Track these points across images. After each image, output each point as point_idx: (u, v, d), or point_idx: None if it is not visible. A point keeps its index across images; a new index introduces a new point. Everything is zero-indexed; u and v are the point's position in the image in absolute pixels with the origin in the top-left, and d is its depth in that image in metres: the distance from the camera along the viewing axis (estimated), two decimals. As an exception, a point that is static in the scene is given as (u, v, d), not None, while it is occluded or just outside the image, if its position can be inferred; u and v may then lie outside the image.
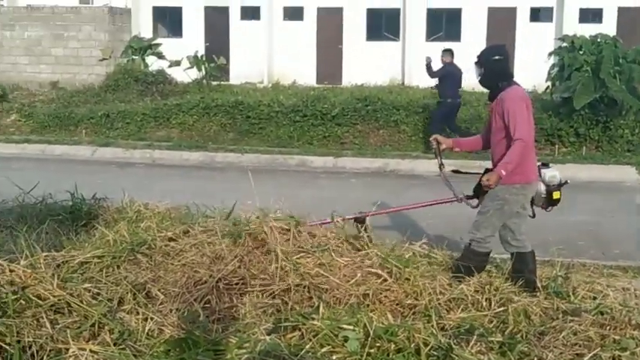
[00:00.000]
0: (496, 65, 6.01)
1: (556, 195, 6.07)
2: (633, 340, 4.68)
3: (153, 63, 22.32)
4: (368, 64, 23.84)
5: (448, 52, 15.68)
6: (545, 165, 6.22)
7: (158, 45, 22.94)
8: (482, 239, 6.00)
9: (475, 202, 6.39)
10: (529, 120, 5.86)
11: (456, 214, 6.56)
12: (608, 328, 4.89)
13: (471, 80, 21.83)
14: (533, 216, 6.25)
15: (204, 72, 22.19)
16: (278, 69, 25.16)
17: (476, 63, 6.14)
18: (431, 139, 6.81)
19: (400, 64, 24.50)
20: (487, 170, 6.08)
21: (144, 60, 22.45)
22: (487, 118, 6.35)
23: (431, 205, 6.97)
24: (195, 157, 15.67)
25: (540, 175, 6.07)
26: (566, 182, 6.17)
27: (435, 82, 16.18)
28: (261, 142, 16.61)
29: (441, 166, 6.66)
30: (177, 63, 21.79)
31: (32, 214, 7.30)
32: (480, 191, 6.25)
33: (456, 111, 15.51)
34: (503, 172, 5.77)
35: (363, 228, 6.41)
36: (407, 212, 8.62)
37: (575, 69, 15.26)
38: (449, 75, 15.37)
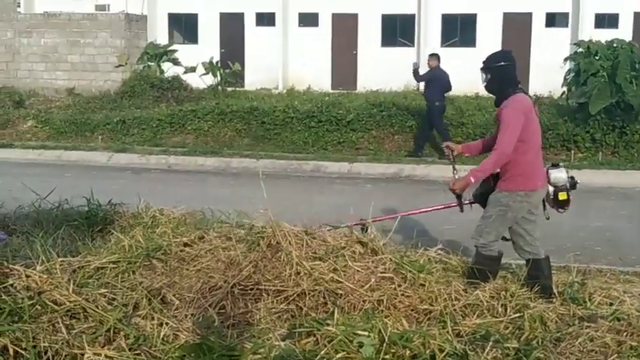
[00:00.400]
0: (502, 71, 5.95)
1: (562, 196, 6.01)
2: (650, 346, 4.64)
3: (168, 69, 22.42)
4: (383, 70, 23.83)
5: (434, 56, 16.11)
6: (555, 165, 6.14)
7: (174, 51, 23.04)
8: (485, 245, 5.97)
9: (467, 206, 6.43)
10: (528, 133, 5.80)
11: (472, 220, 6.50)
12: (624, 334, 4.86)
13: (481, 86, 21.64)
14: (548, 218, 6.21)
15: (219, 78, 22.27)
16: (293, 75, 25.22)
17: (482, 69, 6.08)
18: (443, 146, 6.85)
19: (415, 70, 24.49)
20: (496, 176, 6.07)
21: (159, 66, 22.55)
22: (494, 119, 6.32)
23: (435, 210, 7.04)
24: (210, 163, 15.71)
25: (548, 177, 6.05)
26: (574, 183, 6.10)
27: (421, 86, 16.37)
28: (276, 148, 16.64)
29: (455, 172, 6.64)
30: (193, 69, 21.88)
31: (48, 219, 7.34)
32: (482, 198, 6.24)
33: (442, 113, 15.81)
34: (472, 180, 5.86)
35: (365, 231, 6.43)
36: (420, 218, 8.56)
37: (591, 74, 15.19)
38: (435, 79, 15.76)
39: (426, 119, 15.95)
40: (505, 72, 5.96)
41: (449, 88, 15.97)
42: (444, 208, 6.90)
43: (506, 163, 5.80)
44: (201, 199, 8.01)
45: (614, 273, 7.44)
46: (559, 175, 6.04)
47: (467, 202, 6.43)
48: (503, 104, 5.85)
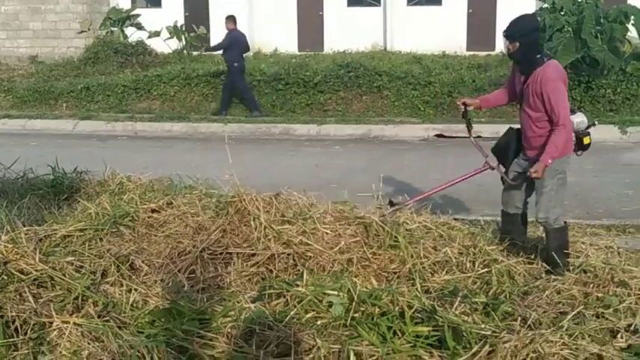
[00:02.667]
0: (532, 37, 5.72)
1: (586, 140, 5.95)
2: (616, 297, 4.71)
3: (132, 34, 22.08)
4: (349, 30, 23.68)
5: (231, 18, 16.43)
6: (572, 112, 5.95)
7: (137, 16, 22.66)
8: (556, 218, 5.84)
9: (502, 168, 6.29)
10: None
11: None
12: (591, 286, 4.93)
13: (453, 43, 21.63)
14: None
15: (184, 42, 21.97)
16: (259, 37, 24.95)
17: (507, 36, 5.76)
18: (458, 102, 6.53)
19: (382, 30, 24.36)
20: (512, 130, 6.07)
21: (123, 31, 22.20)
22: (510, 79, 6.16)
23: (468, 178, 6.58)
24: (177, 129, 15.58)
25: None
26: (593, 124, 6.07)
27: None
28: (244, 112, 16.53)
29: (470, 128, 6.49)
30: (157, 34, 21.54)
31: (13, 189, 7.25)
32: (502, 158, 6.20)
33: (243, 73, 16.38)
34: (550, 161, 5.62)
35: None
36: (398, 181, 8.53)
37: (556, 30, 15.22)
38: (235, 41, 16.12)
39: (228, 81, 16.34)
40: (535, 38, 5.76)
41: (247, 49, 16.71)
42: (476, 174, 6.53)
43: (546, 131, 5.69)
44: (168, 165, 7.95)
45: (582, 226, 7.54)
46: (581, 119, 5.94)
47: (498, 168, 6.31)
48: (538, 74, 5.62)
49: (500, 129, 6.87)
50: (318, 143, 13.87)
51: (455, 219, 6.81)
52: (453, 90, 15.61)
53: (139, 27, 22.19)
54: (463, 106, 6.39)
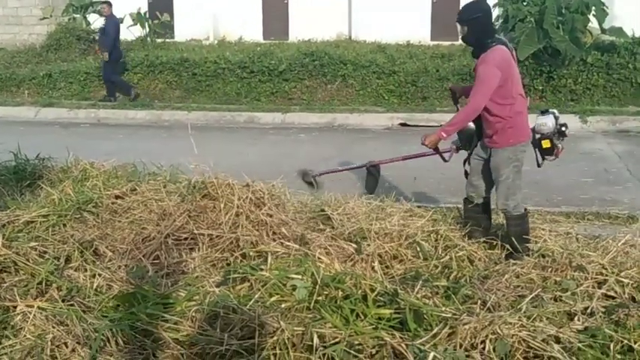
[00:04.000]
0: (479, 22, 5.77)
1: (545, 144, 6.02)
2: (574, 281, 4.82)
3: (95, 21, 21.79)
4: (314, 19, 23.65)
5: (108, 3, 16.87)
6: (544, 112, 6.12)
7: (99, 2, 22.36)
8: (516, 205, 5.94)
9: (448, 155, 6.41)
10: (510, 84, 5.74)
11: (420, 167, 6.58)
12: (549, 270, 5.04)
13: (417, 33, 21.67)
14: (539, 165, 6.29)
15: (147, 29, 21.76)
16: (224, 25, 24.81)
17: (458, 21, 5.86)
18: (450, 87, 6.78)
19: (347, 19, 24.38)
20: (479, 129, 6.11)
21: (85, 18, 21.90)
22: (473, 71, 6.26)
23: (419, 157, 6.87)
24: (141, 116, 15.47)
25: None
26: (563, 132, 6.08)
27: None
28: (209, 100, 16.47)
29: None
30: (120, 20, 21.30)
31: (-25, 175, 7.18)
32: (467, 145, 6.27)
33: (120, 58, 16.98)
34: (444, 135, 5.79)
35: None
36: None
37: (518, 20, 15.35)
38: (116, 26, 16.69)
39: (108, 66, 16.53)
40: (482, 23, 5.79)
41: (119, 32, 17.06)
42: (430, 155, 6.61)
43: (498, 119, 5.75)
44: (132, 153, 7.91)
45: (541, 214, 7.68)
46: (544, 121, 6.02)
47: (450, 150, 6.41)
48: (480, 58, 5.72)
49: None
50: (283, 131, 13.88)
51: (418, 206, 6.89)
52: (417, 79, 15.70)
53: (102, 14, 21.90)
54: (452, 92, 6.60)
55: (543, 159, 6.20)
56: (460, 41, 6.22)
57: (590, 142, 12.48)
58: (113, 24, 16.65)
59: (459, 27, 5.90)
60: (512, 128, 5.81)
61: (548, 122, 6.03)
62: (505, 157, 5.81)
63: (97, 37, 16.66)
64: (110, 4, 16.72)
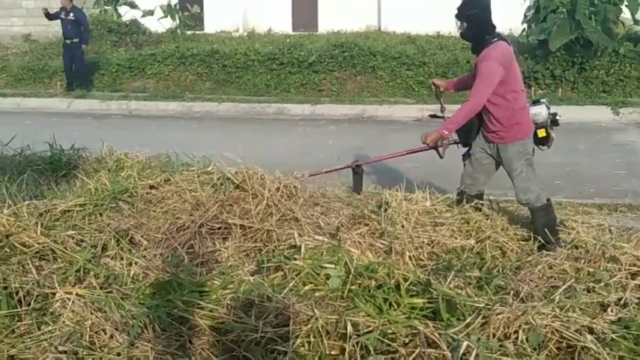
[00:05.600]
0: (477, 18, 5.77)
1: (541, 133, 5.99)
2: (607, 272, 4.80)
3: (126, 13, 22.04)
4: (344, 11, 23.64)
5: None
6: (536, 102, 6.09)
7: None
8: (537, 196, 5.93)
9: (442, 150, 6.26)
10: (512, 80, 5.75)
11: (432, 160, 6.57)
12: (582, 261, 5.02)
13: (448, 24, 21.77)
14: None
15: (178, 21, 21.93)
16: (253, 17, 24.90)
17: (456, 16, 5.88)
18: (432, 82, 6.78)
19: (376, 10, 24.34)
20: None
21: (116, 10, 22.15)
22: (473, 67, 6.27)
23: (414, 152, 6.83)
24: (172, 108, 15.61)
25: None
26: (555, 120, 6.08)
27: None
28: (239, 91, 16.56)
29: (443, 109, 6.61)
30: (151, 12, 21.48)
31: (11, 165, 7.30)
32: (467, 138, 6.25)
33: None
34: (446, 132, 5.81)
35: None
36: (391, 161, 8.56)
37: (550, 11, 15.25)
38: (80, 16, 17.10)
39: (75, 57, 16.94)
40: (481, 19, 5.79)
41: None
42: (419, 151, 6.67)
43: (503, 114, 5.75)
44: (164, 144, 7.97)
45: (573, 205, 7.65)
46: (538, 111, 5.99)
47: (449, 143, 6.34)
48: (481, 54, 5.73)
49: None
50: (313, 123, 13.92)
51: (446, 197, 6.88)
52: (448, 70, 15.67)
53: (133, 6, 22.13)
54: (435, 87, 6.61)
55: (540, 149, 6.14)
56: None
57: (623, 133, 12.38)
58: (84, 15, 17.34)
59: (457, 23, 5.89)
60: (519, 123, 5.82)
61: (542, 112, 6.01)
62: (515, 151, 5.82)
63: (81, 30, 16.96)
64: None
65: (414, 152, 6.78)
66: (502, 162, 5.99)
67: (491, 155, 6.06)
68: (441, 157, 6.23)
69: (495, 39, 5.76)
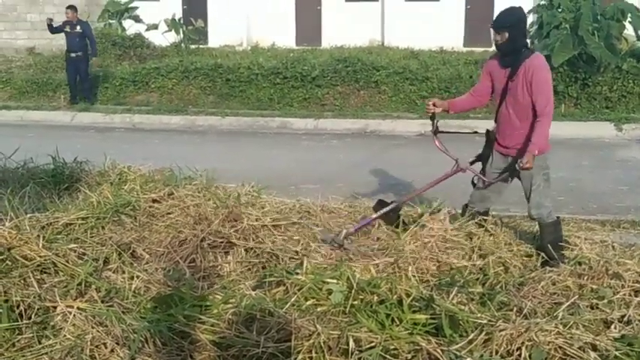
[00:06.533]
0: (520, 28, 5.78)
1: None
2: (610, 288, 4.79)
3: (130, 27, 22.11)
4: (347, 26, 23.73)
5: (73, 8, 17.15)
6: None
7: (135, 8, 22.68)
8: (549, 213, 5.92)
9: (477, 170, 6.23)
10: None
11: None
12: (585, 277, 5.00)
13: (451, 39, 21.66)
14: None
15: (182, 35, 22.00)
16: (257, 32, 25.01)
17: (495, 27, 5.77)
18: (427, 102, 6.37)
19: (380, 25, 24.43)
20: (489, 132, 6.11)
21: (121, 24, 22.23)
22: (480, 80, 6.20)
23: (440, 182, 6.39)
24: (175, 121, 15.62)
25: None
26: None
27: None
28: (242, 105, 16.58)
29: (436, 131, 6.37)
30: (155, 26, 21.56)
31: (14, 178, 7.28)
32: (483, 159, 6.21)
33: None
34: (537, 152, 5.65)
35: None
36: (395, 176, 8.52)
37: (553, 27, 15.28)
38: (89, 29, 17.15)
39: (80, 70, 16.98)
40: (522, 29, 5.81)
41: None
42: (448, 177, 6.33)
43: (529, 125, 5.73)
44: (167, 157, 7.97)
45: (577, 221, 7.61)
46: None
47: (459, 170, 6.21)
48: (527, 65, 5.65)
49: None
50: (316, 137, 13.92)
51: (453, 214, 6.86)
52: (450, 85, 15.68)
53: (137, 20, 22.23)
54: (432, 107, 6.26)
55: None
56: (494, 48, 6.14)
57: (626, 149, 12.36)
58: (90, 27, 17.36)
59: (492, 33, 5.82)
60: (546, 136, 5.80)
61: None
62: (537, 165, 5.77)
63: (86, 43, 17.01)
64: (76, 9, 17.24)
65: (447, 178, 6.40)
66: (520, 176, 5.94)
67: (507, 168, 6.00)
68: (485, 185, 6.15)
69: (533, 50, 5.80)
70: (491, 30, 5.84)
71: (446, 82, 15.87)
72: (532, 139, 5.65)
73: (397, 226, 6.03)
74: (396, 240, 5.47)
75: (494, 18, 5.95)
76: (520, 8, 5.96)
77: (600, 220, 7.79)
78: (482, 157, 6.26)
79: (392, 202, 6.33)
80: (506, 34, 5.72)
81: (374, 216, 6.17)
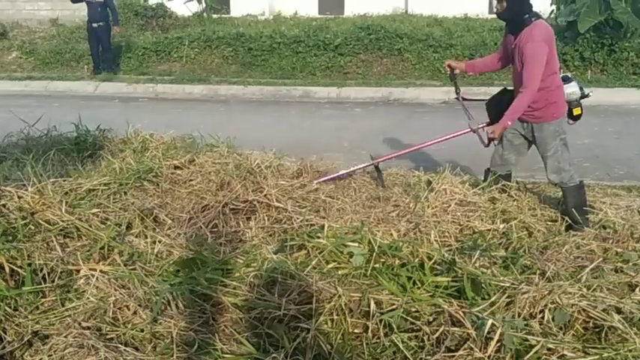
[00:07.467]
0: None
1: (577, 111, 5.95)
2: (635, 252, 4.73)
3: (153, -5, 22.10)
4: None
5: None
6: (566, 79, 5.98)
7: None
8: (570, 176, 5.90)
9: (485, 135, 6.21)
10: (552, 59, 5.68)
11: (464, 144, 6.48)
12: (610, 241, 4.96)
13: (475, 6, 21.45)
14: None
15: (204, 5, 21.93)
16: (279, 1, 24.83)
17: None
18: (445, 64, 6.64)
19: (403, -7, 24.17)
20: (504, 91, 6.10)
21: (143, -6, 22.22)
22: (502, 43, 6.17)
23: (445, 140, 6.60)
24: (198, 91, 15.61)
25: None
26: (587, 95, 6.05)
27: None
28: (264, 74, 16.53)
29: (458, 91, 6.52)
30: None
31: (38, 145, 7.32)
32: (493, 115, 6.18)
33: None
34: (509, 123, 5.71)
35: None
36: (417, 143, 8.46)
37: (579, -8, 15.06)
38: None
39: (102, 40, 16.85)
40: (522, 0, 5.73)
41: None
42: (456, 136, 6.54)
43: (543, 93, 5.69)
44: (190, 126, 7.97)
45: (602, 187, 7.54)
46: (573, 90, 5.94)
47: (470, 131, 6.30)
48: (523, 34, 5.63)
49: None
50: (339, 106, 13.86)
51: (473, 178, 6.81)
52: (475, 52, 15.51)
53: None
54: (449, 69, 6.45)
55: (569, 123, 6.05)
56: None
57: (653, 116, 12.20)
58: None
59: (495, 2, 5.84)
60: (556, 102, 5.79)
61: (576, 90, 5.95)
62: (552, 131, 5.75)
63: (108, 13, 16.85)
64: None
65: (449, 139, 6.57)
66: (536, 142, 5.93)
67: (524, 135, 6.00)
68: (486, 145, 6.16)
69: (534, 18, 5.68)
70: None
71: (470, 49, 15.71)
72: (507, 110, 5.70)
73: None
74: (416, 205, 5.42)
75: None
76: None
77: (626, 186, 7.70)
78: (490, 113, 6.25)
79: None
80: (504, 4, 5.73)
81: (351, 170, 6.47)
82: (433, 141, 6.63)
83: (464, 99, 6.56)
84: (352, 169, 6.57)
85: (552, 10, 16.78)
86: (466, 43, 15.92)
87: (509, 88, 6.15)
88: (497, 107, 6.11)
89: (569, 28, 15.40)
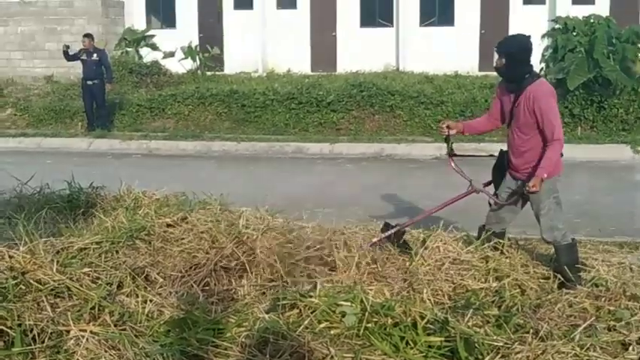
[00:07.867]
0: (519, 56, 5.77)
1: None
2: (628, 310, 4.73)
3: (147, 54, 22.32)
4: (362, 51, 23.80)
5: (90, 36, 17.42)
6: None
7: (152, 36, 22.94)
8: (563, 235, 5.89)
9: (492, 191, 6.24)
10: None
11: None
12: (603, 299, 4.96)
13: (465, 64, 21.71)
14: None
15: (198, 62, 22.18)
16: (272, 58, 25.11)
17: (496, 49, 5.87)
18: (441, 124, 6.55)
19: (394, 50, 24.47)
20: (503, 153, 6.13)
21: (138, 52, 22.44)
22: (496, 101, 6.23)
23: (452, 202, 6.48)
24: (191, 147, 15.69)
25: None
26: None
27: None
28: (257, 131, 16.64)
29: (451, 152, 6.48)
30: (172, 54, 21.77)
31: (30, 203, 7.31)
32: (497, 180, 6.22)
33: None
34: (546, 176, 5.65)
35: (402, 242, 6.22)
36: (410, 199, 8.55)
37: (568, 50, 15.27)
38: (105, 57, 17.44)
39: (96, 97, 17.12)
40: (518, 59, 5.77)
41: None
42: (462, 198, 6.42)
43: (540, 152, 5.73)
44: (183, 183, 7.99)
45: (594, 244, 7.53)
46: None
47: (472, 192, 6.25)
48: (529, 92, 5.68)
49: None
50: (331, 162, 13.94)
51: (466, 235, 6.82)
52: (466, 109, 15.68)
53: (154, 47, 22.44)
54: (446, 130, 6.37)
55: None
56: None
57: (643, 172, 12.28)
58: (106, 54, 17.64)
59: (495, 56, 5.89)
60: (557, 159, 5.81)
61: None
62: (545, 189, 5.75)
63: (102, 70, 17.18)
64: (93, 37, 17.48)
65: (460, 199, 6.47)
66: (530, 199, 5.94)
67: (517, 190, 6.01)
68: (495, 203, 6.16)
69: (535, 77, 5.78)
70: (495, 52, 5.90)
71: (461, 106, 15.88)
72: (541, 163, 5.66)
73: (403, 248, 6.05)
74: (409, 262, 5.42)
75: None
76: (526, 37, 5.97)
77: (618, 242, 7.70)
78: (494, 178, 6.25)
79: (396, 225, 6.33)
80: (503, 60, 5.80)
81: (375, 240, 6.14)
82: (441, 205, 6.51)
83: (455, 155, 6.53)
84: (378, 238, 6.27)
85: (542, 68, 16.99)
86: (457, 100, 16.09)
87: (504, 149, 6.18)
88: (499, 171, 6.18)
89: (559, 85, 15.56)
